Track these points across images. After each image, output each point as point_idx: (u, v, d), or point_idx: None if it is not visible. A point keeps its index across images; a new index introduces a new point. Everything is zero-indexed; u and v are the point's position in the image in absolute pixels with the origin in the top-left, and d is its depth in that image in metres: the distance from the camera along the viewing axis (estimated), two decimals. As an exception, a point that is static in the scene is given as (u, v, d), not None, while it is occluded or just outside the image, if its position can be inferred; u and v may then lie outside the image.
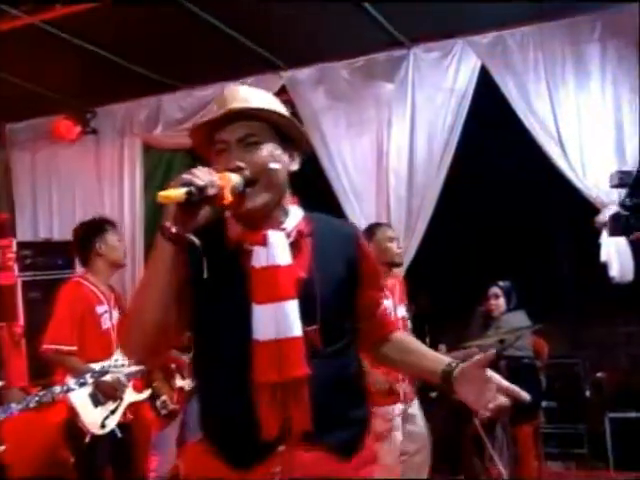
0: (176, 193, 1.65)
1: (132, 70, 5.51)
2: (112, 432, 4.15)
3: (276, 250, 1.85)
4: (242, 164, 1.82)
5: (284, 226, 1.93)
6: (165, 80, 5.90)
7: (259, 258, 1.85)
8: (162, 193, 1.66)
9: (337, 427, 1.88)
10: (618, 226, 4.59)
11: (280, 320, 1.81)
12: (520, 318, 5.51)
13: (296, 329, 1.81)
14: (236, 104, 1.85)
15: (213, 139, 1.90)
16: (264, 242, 1.85)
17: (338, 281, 1.94)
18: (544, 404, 5.89)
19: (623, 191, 4.65)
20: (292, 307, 1.82)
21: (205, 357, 1.95)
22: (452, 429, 5.55)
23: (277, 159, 1.89)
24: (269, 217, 1.91)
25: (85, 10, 4.41)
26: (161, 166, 6.70)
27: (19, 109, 6.37)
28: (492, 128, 5.83)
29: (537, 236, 6.83)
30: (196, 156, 2.05)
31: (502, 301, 5.63)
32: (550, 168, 4.99)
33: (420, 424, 4.67)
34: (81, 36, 4.88)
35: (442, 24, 5.07)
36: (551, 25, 4.98)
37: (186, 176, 1.69)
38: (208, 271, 1.80)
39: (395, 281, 4.66)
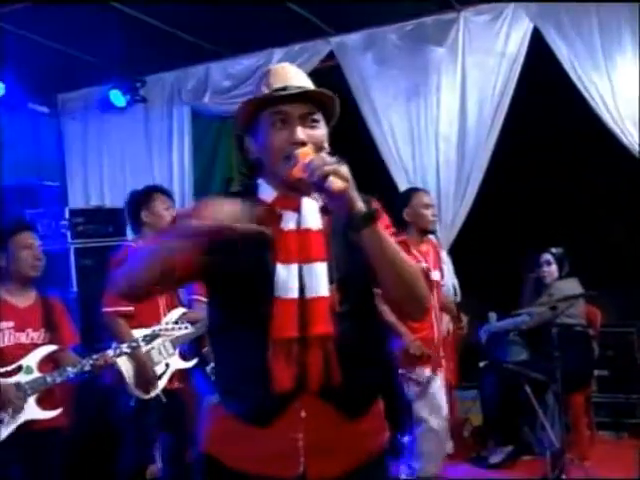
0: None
1: (180, 38, 5.53)
2: (158, 397, 4.21)
3: (309, 215, 1.95)
4: (306, 139, 1.93)
5: (315, 194, 2.01)
6: (213, 48, 5.91)
7: (289, 222, 1.94)
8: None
9: (348, 387, 1.90)
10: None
11: (307, 280, 1.89)
12: (572, 285, 5.43)
13: (323, 289, 1.89)
14: (296, 82, 1.98)
15: (264, 108, 1.98)
16: (297, 208, 1.95)
17: (352, 244, 1.94)
18: (596, 373, 5.82)
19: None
20: (321, 268, 1.91)
21: (222, 315, 2.00)
22: (502, 398, 5.52)
23: (326, 137, 2.03)
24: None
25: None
26: (210, 133, 6.72)
27: (70, 79, 6.44)
28: (543, 93, 5.71)
29: (590, 203, 6.72)
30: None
31: (554, 268, 5.56)
32: (604, 132, 4.90)
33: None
34: (131, 5, 4.89)
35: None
36: (608, -14, 4.86)
37: (341, 170, 1.77)
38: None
39: (429, 247, 4.65)
